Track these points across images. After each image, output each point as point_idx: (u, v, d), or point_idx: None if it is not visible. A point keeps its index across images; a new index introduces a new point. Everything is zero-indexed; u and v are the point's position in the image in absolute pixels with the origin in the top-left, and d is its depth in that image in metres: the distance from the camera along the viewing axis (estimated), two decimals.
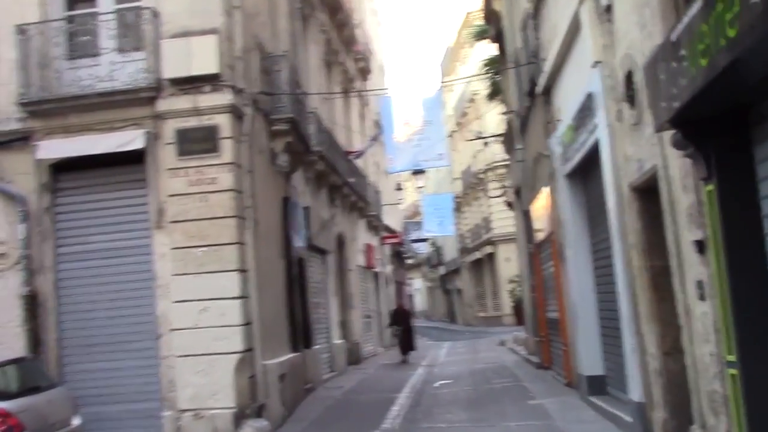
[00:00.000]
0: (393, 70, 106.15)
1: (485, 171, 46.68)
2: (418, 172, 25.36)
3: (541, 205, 16.15)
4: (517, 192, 20.95)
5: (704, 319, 6.34)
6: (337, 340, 21.63)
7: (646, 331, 8.56)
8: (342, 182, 22.70)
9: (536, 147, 15.88)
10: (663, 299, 8.49)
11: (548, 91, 12.99)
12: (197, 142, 12.20)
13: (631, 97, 7.93)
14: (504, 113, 23.37)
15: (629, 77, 7.90)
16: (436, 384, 17.65)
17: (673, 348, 8.27)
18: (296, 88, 16.19)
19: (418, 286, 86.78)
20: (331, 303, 21.44)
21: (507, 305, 43.87)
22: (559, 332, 15.32)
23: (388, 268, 35.72)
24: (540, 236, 17.00)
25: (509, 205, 23.64)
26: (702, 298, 6.33)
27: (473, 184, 50.66)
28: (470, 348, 30.43)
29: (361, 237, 28.36)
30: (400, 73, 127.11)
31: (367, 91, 30.87)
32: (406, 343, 25.14)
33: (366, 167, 30.95)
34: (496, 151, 43.73)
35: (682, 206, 6.58)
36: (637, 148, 8.01)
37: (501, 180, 26.18)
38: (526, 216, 18.76)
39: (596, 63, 9.09)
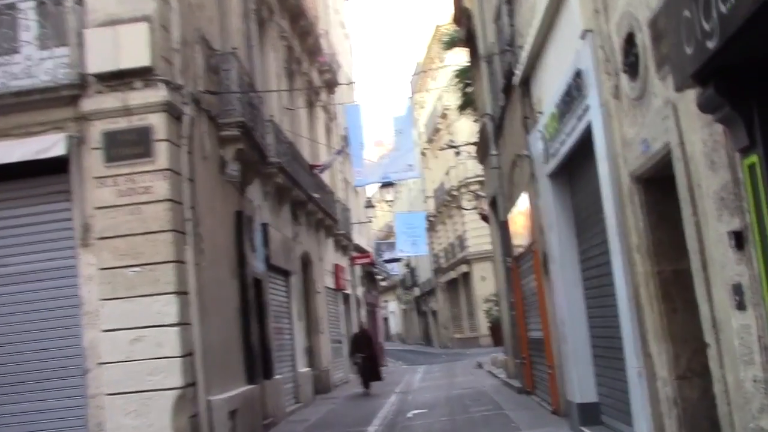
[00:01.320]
0: (362, 86, 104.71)
1: (459, 188, 45.31)
2: (387, 185, 23.93)
3: (519, 214, 14.72)
4: (493, 203, 19.53)
5: (744, 334, 4.89)
6: (303, 368, 20.00)
7: (656, 351, 7.10)
8: (306, 198, 21.17)
9: (513, 150, 14.48)
10: (675, 311, 7.06)
11: (527, 81, 11.58)
12: (128, 146, 10.64)
13: (631, 66, 6.52)
14: (476, 120, 22.01)
15: (629, 41, 6.49)
16: (410, 414, 16.07)
17: (689, 371, 6.82)
18: (249, 91, 14.70)
19: (392, 308, 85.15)
20: (296, 328, 19.83)
21: (484, 325, 42.43)
22: (543, 353, 13.83)
23: (359, 290, 34.14)
24: (519, 248, 15.56)
25: (484, 218, 22.21)
26: (741, 306, 4.87)
27: (447, 202, 49.32)
28: (446, 372, 28.88)
29: (329, 257, 26.80)
30: (370, 90, 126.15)
31: (333, 103, 29.46)
32: (369, 372, 22.11)
33: (334, 184, 29.49)
34: (470, 167, 42.55)
35: (710, 189, 5.13)
36: (641, 128, 6.58)
37: (475, 193, 24.79)
38: (503, 228, 17.32)
39: (586, 33, 7.68)
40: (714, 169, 4.99)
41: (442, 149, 39.87)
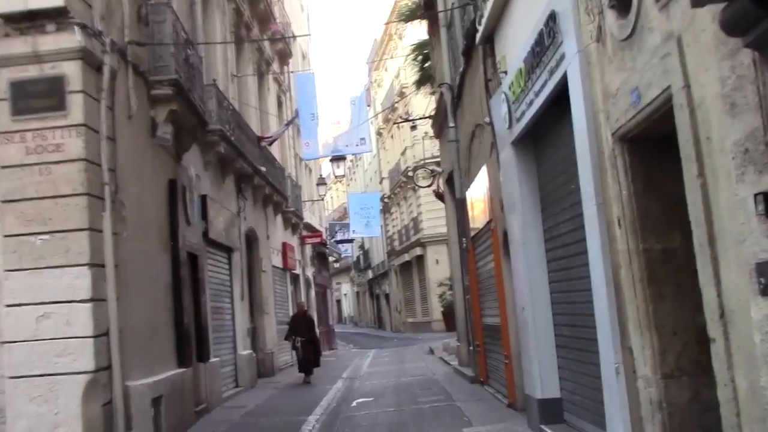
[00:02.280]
0: (319, 64, 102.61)
1: (414, 168, 44.15)
2: (337, 159, 22.69)
3: (478, 189, 13.66)
4: (449, 180, 18.46)
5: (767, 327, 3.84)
6: (244, 351, 18.78)
7: (637, 344, 6.07)
8: (252, 171, 19.88)
9: (473, 119, 13.40)
10: (663, 297, 6.05)
11: (490, 38, 10.44)
12: (38, 97, 9.30)
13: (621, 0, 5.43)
14: (434, 91, 20.87)
15: None
16: (354, 403, 14.99)
17: (677, 369, 5.80)
18: (187, 47, 13.40)
19: (345, 291, 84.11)
20: (238, 308, 18.60)
21: (437, 310, 41.51)
22: (500, 341, 12.84)
23: (310, 271, 32.95)
24: (476, 228, 14.52)
25: (439, 196, 21.12)
26: (765, 292, 3.82)
27: (402, 183, 48.20)
28: (397, 357, 27.89)
29: (278, 235, 25.56)
30: (328, 68, 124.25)
31: (286, 73, 28.10)
32: (308, 360, 19.68)
33: (285, 159, 28.22)
34: (427, 147, 41.48)
35: (727, 141, 4.07)
36: (630, 74, 5.51)
37: (428, 169, 23.70)
38: (459, 206, 16.26)
39: None
40: (735, 114, 3.92)
41: (396, 123, 38.66)
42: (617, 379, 6.60)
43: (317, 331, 21.86)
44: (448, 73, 16.39)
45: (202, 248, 15.22)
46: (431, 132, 34.85)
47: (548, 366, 9.56)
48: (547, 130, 8.79)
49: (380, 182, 55.42)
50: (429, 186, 23.62)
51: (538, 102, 8.25)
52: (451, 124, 16.11)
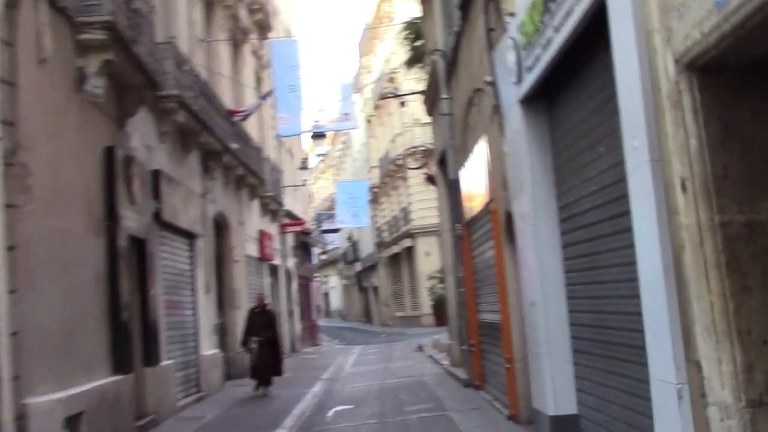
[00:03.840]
0: (306, 50, 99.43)
1: (404, 156, 42.10)
2: (318, 136, 20.49)
3: (475, 166, 11.61)
4: (442, 162, 16.40)
5: None
6: (209, 350, 16.68)
7: (710, 357, 4.09)
8: (221, 147, 17.75)
9: (470, 85, 11.35)
10: (748, 290, 4.13)
11: None
12: None
13: None
14: (425, 65, 18.78)
15: None
16: (330, 413, 12.90)
17: None
18: None
19: (333, 284, 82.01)
20: (202, 302, 16.48)
21: (426, 304, 39.48)
22: (499, 342, 10.80)
23: (291, 262, 30.84)
24: (473, 211, 12.45)
25: (430, 179, 19.04)
26: None
27: (392, 172, 46.09)
28: (384, 354, 25.82)
29: (253, 222, 23.44)
30: (315, 55, 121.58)
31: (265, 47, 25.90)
32: (265, 366, 15.67)
33: (264, 140, 26.10)
34: (417, 134, 39.40)
35: None
36: None
37: (419, 151, 21.65)
38: (452, 188, 14.21)
39: None
40: None
41: (385, 97, 36.52)
42: (679, 405, 4.57)
43: (279, 329, 17.46)
44: (442, 38, 14.34)
45: (153, 232, 13.11)
46: (423, 118, 32.92)
47: (563, 375, 7.55)
48: (568, 80, 6.78)
49: (369, 171, 53.27)
50: (419, 168, 21.57)
51: (559, 39, 6.20)
52: (444, 95, 14.04)
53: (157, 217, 13.34)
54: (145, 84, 11.82)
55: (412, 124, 39.43)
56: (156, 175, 13.40)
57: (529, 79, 7.31)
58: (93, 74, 9.90)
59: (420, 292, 40.79)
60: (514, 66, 7.66)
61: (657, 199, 4.57)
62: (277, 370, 16.09)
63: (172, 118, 14.18)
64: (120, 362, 10.62)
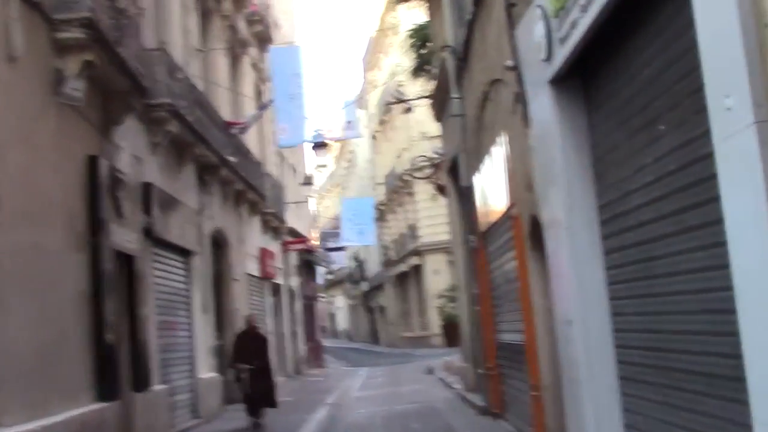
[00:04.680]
0: (307, 55, 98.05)
1: (412, 168, 41.02)
2: (319, 146, 19.54)
3: (492, 168, 10.61)
4: (452, 169, 15.41)
5: None
6: (207, 374, 15.64)
7: None
8: (218, 161, 16.79)
9: (485, 78, 10.34)
10: None
11: None
12: None
13: None
14: (429, 70, 17.81)
15: None
16: None
17: None
18: None
19: (340, 304, 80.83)
20: (198, 322, 15.47)
21: (435, 324, 38.33)
22: (523, 365, 9.74)
23: (294, 281, 29.81)
24: (489, 219, 11.42)
25: (440, 189, 18.04)
26: None
27: (398, 188, 45.07)
28: (392, 377, 24.70)
29: (254, 239, 22.44)
30: (318, 73, 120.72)
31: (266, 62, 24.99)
32: (257, 394, 13.75)
33: (265, 156, 25.18)
34: (425, 148, 38.29)
35: None
36: None
37: (428, 158, 20.61)
38: (465, 196, 13.19)
39: None
40: None
41: (389, 104, 35.53)
42: None
43: (270, 355, 15.24)
44: (451, 34, 13.39)
45: (144, 249, 12.14)
46: (430, 131, 31.93)
47: (608, 407, 6.44)
48: (614, 48, 5.72)
49: (375, 188, 52.28)
50: (428, 178, 20.58)
51: None
52: (455, 95, 13.07)
53: (148, 233, 12.38)
54: (131, 90, 10.86)
55: (419, 138, 38.43)
56: (147, 188, 12.45)
57: (562, 53, 6.29)
58: (72, 76, 8.93)
59: (429, 312, 39.69)
60: (542, 40, 6.64)
61: (765, 175, 3.53)
62: (270, 401, 14.03)
63: (163, 128, 13.22)
64: (104, 388, 9.62)
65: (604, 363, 6.42)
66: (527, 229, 8.49)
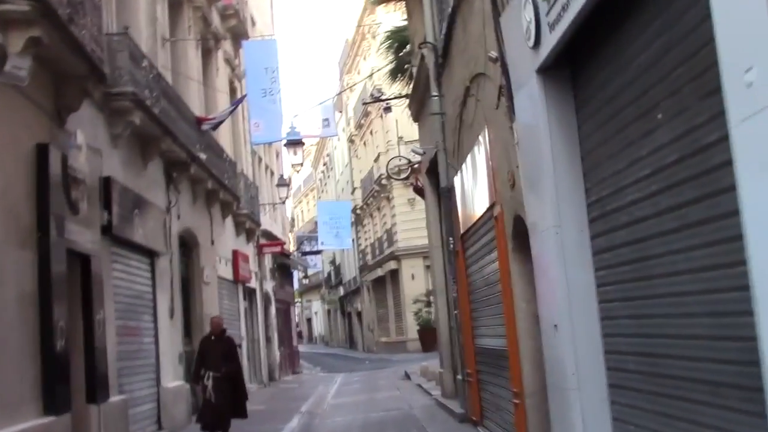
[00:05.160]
0: (286, 69, 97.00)
1: (388, 175, 40.45)
2: (294, 144, 18.82)
3: (473, 167, 10.02)
4: (431, 171, 14.83)
5: None
6: (173, 382, 14.90)
7: None
8: (188, 157, 16.08)
9: (467, 73, 9.77)
10: None
11: None
12: None
13: None
14: (407, 69, 17.22)
15: None
16: None
17: None
18: None
19: (316, 309, 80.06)
20: (165, 328, 14.74)
21: (412, 329, 37.68)
22: (504, 371, 9.17)
23: (269, 285, 29.09)
24: (469, 221, 10.83)
25: (418, 191, 17.44)
26: None
27: (375, 192, 44.47)
28: (368, 383, 24.06)
29: (226, 241, 21.73)
30: (295, 78, 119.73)
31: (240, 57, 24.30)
32: (220, 408, 11.77)
33: (240, 156, 24.52)
34: (403, 152, 37.58)
35: None
36: None
37: (408, 163, 19.96)
38: (445, 197, 12.60)
39: None
40: None
41: (366, 103, 34.86)
42: None
43: (241, 361, 13.94)
44: (431, 30, 12.80)
45: (103, 248, 11.43)
46: (407, 135, 31.40)
47: (598, 417, 5.89)
48: (609, 31, 5.18)
49: (352, 192, 51.64)
50: (406, 179, 19.96)
51: None
52: (435, 93, 12.48)
53: (107, 231, 11.67)
54: (88, 75, 10.15)
55: (397, 142, 37.88)
56: (107, 182, 11.75)
57: (552, 39, 5.72)
58: (17, 54, 8.23)
59: (405, 317, 39.05)
60: (531, 25, 6.07)
61: None
62: (240, 411, 12.29)
63: (126, 119, 12.52)
64: (52, 400, 8.89)
65: (593, 370, 5.87)
66: (510, 229, 7.92)
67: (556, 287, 6.13)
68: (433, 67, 12.73)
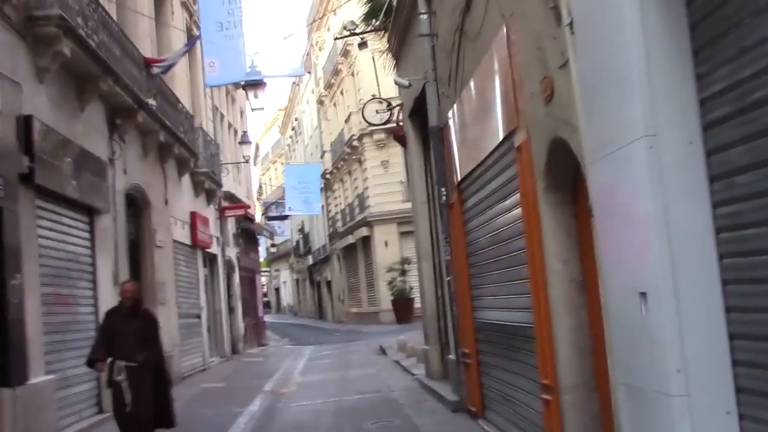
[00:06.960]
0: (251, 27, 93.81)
1: (360, 137, 38.39)
2: (253, 85, 16.69)
3: (479, 91, 7.99)
4: (414, 113, 12.80)
5: None
6: None
7: None
8: (135, 103, 13.91)
9: None
10: None
11: None
12: None
13: None
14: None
15: None
16: None
17: None
18: None
19: (284, 278, 77.99)
20: (106, 296, 12.60)
21: (385, 299, 35.78)
22: (522, 354, 7.23)
23: (233, 251, 26.98)
24: (472, 162, 8.79)
25: (400, 139, 15.37)
26: None
27: (346, 155, 42.32)
28: (339, 357, 22.07)
29: (183, 202, 19.58)
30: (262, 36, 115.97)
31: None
32: (142, 407, 8.21)
33: (199, 111, 22.34)
34: (375, 109, 35.40)
35: None
36: None
37: (387, 105, 17.92)
38: (436, 139, 10.56)
39: None
40: None
41: (338, 38, 32.56)
42: None
43: (163, 342, 9.32)
44: None
45: (20, 199, 9.30)
46: (381, 92, 29.22)
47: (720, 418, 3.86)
48: None
49: (321, 156, 49.44)
50: (384, 124, 17.94)
51: None
52: (423, 10, 10.41)
53: (28, 179, 9.55)
54: None
55: (369, 100, 35.69)
56: (27, 122, 9.61)
57: None
58: None
59: (378, 287, 37.10)
60: None
61: None
62: (165, 418, 8.70)
63: (53, 49, 10.34)
64: None
65: (712, 365, 3.82)
66: (543, 161, 5.91)
67: (646, 233, 4.05)
68: None
